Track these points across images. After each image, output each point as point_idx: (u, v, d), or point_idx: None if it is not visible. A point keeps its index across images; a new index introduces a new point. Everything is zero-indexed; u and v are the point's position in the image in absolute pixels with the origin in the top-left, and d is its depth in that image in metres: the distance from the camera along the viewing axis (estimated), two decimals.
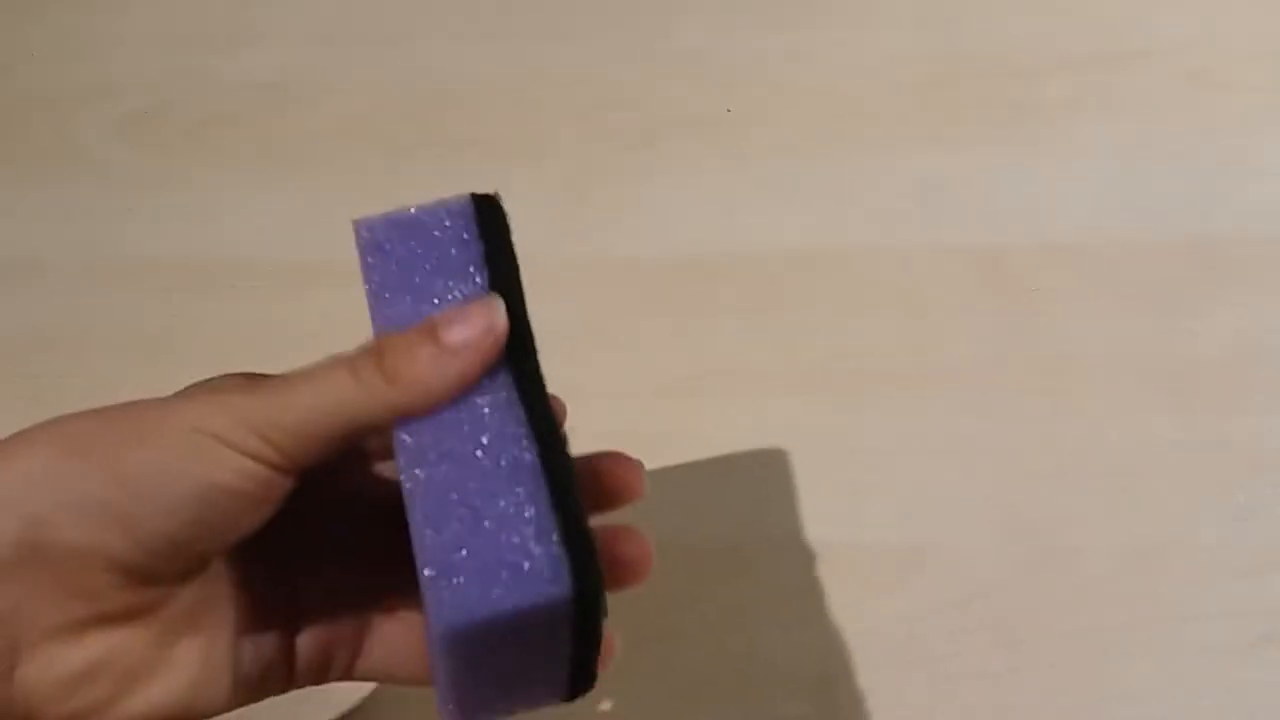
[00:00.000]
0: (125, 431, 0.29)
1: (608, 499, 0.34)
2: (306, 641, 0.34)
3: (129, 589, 0.29)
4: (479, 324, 0.31)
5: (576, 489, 0.30)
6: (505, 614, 0.28)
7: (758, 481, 0.50)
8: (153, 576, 0.29)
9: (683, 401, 0.52)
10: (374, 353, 0.31)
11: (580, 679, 0.32)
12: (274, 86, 0.64)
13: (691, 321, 0.54)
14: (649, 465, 0.35)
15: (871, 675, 0.46)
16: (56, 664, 0.29)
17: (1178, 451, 0.49)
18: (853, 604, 0.48)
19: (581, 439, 0.33)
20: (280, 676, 0.34)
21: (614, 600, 0.31)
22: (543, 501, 0.30)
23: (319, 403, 0.30)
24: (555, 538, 0.29)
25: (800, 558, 0.49)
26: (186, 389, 0.32)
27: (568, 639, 0.30)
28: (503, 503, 0.30)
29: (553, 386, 0.34)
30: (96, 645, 0.29)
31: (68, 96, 0.65)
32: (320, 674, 0.35)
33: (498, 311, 0.31)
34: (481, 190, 0.34)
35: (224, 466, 0.29)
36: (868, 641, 0.47)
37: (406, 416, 0.30)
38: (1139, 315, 0.52)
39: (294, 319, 0.56)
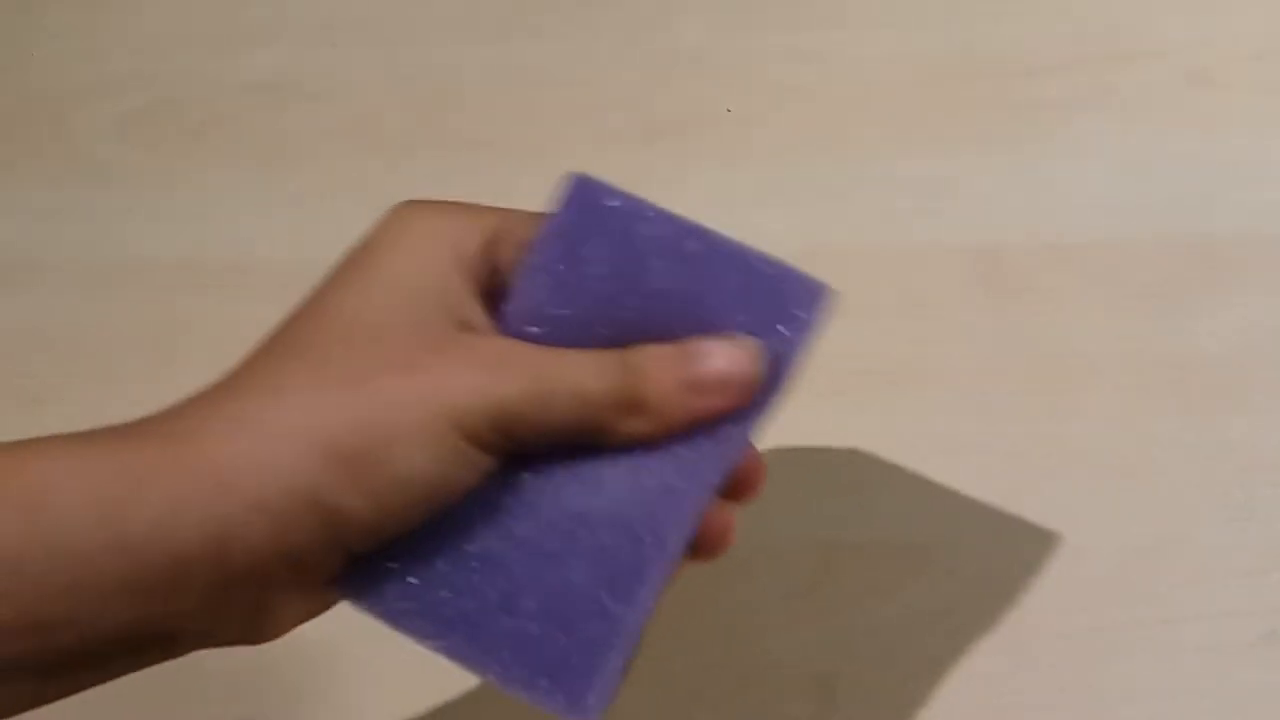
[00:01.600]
0: (380, 427, 0.28)
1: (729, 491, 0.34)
2: None
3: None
4: (742, 364, 0.30)
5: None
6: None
7: None
8: None
9: None
10: (619, 363, 0.30)
11: None
12: (274, 86, 0.64)
13: None
14: None
15: (871, 675, 0.46)
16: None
17: (1178, 451, 0.49)
18: (853, 604, 0.48)
19: None
20: None
21: None
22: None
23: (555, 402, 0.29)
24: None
25: (801, 558, 0.49)
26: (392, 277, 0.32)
27: None
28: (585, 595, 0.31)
29: None
30: None
31: (68, 96, 0.65)
32: None
33: (758, 359, 0.30)
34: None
35: (464, 465, 0.29)
36: (868, 641, 0.47)
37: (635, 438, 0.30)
38: (1139, 315, 0.52)
39: None
